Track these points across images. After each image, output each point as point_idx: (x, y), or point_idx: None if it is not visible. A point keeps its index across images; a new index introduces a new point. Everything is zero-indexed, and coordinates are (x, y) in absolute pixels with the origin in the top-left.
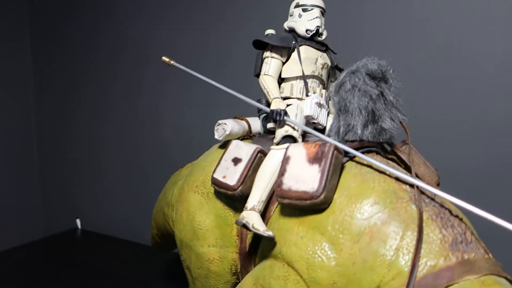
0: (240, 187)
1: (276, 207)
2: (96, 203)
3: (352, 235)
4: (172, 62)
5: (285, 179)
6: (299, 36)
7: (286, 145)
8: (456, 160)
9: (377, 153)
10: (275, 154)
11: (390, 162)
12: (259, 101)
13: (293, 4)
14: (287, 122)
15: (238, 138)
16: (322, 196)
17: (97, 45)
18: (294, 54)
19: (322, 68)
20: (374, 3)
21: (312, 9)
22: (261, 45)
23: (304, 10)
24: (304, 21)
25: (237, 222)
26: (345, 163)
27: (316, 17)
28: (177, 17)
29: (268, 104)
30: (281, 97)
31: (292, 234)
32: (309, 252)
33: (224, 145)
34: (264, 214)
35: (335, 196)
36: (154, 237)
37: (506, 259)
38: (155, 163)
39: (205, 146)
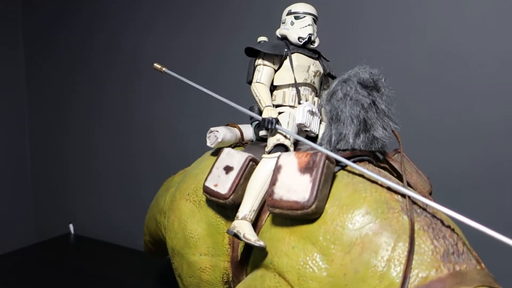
0: (231, 196)
1: (268, 216)
2: (89, 208)
3: (344, 246)
4: (164, 69)
5: (277, 188)
6: (291, 43)
7: (277, 154)
8: (448, 168)
9: (369, 162)
10: (266, 163)
11: (382, 171)
12: (251, 108)
13: (285, 11)
14: (279, 131)
15: (230, 146)
16: (314, 206)
17: (90, 51)
18: (286, 62)
19: (314, 76)
20: (366, 11)
21: (304, 16)
22: (253, 53)
23: (296, 18)
24: (297, 28)
25: (228, 232)
26: (336, 172)
27: (308, 25)
28: (170, 24)
29: (260, 112)
30: (273, 105)
31: (283, 244)
32: (300, 263)
33: (217, 152)
34: (255, 223)
35: (327, 206)
36: (146, 243)
37: (498, 268)
38: (148, 169)
39: (198, 153)
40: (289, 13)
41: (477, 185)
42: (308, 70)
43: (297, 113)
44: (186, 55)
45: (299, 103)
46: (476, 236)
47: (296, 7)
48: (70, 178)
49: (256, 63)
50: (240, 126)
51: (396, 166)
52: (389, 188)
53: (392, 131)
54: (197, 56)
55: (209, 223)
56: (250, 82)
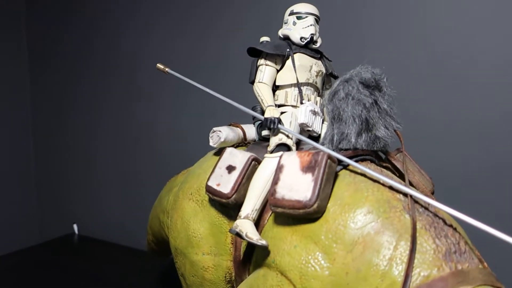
0: (234, 195)
1: (270, 215)
2: (93, 208)
3: (346, 245)
4: (166, 69)
5: (279, 187)
6: (293, 43)
7: (280, 153)
8: (451, 167)
9: (371, 161)
10: (269, 163)
11: (384, 170)
12: (254, 108)
13: (288, 12)
14: (281, 130)
15: (233, 145)
16: (315, 205)
17: (92, 52)
18: (289, 62)
19: (316, 76)
20: (368, 11)
21: (306, 17)
22: (256, 53)
23: (298, 18)
24: (299, 28)
25: (230, 231)
26: (338, 171)
27: (311, 25)
28: (172, 25)
29: (263, 112)
30: (276, 105)
31: (285, 243)
32: (302, 262)
33: (219, 152)
34: (258, 223)
35: (329, 205)
36: (150, 243)
37: (501, 267)
38: (151, 170)
39: (201, 153)
40: (291, 13)
41: (479, 184)
42: (310, 70)
43: (300, 112)
44: (189, 55)
45: (302, 103)
46: (479, 235)
47: (298, 7)
48: (74, 179)
49: (258, 63)
50: (243, 126)
51: (398, 165)
52: (391, 187)
53: (394, 130)
54: (199, 57)
55: (212, 223)
56: (252, 82)
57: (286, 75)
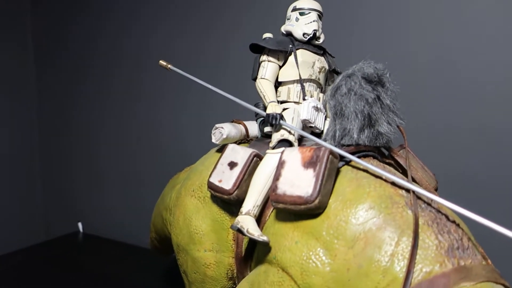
0: (235, 192)
1: (272, 211)
2: (98, 207)
3: (347, 241)
4: (169, 66)
5: (280, 183)
6: (296, 39)
7: (281, 149)
8: (454, 164)
9: (374, 157)
10: (270, 158)
11: (387, 166)
12: (256, 105)
13: (290, 8)
14: (283, 126)
15: (235, 142)
16: (317, 201)
17: (96, 52)
18: (291, 58)
19: (319, 72)
20: (372, 7)
21: (309, 12)
22: (258, 49)
23: (301, 14)
24: (301, 24)
25: (232, 227)
26: (340, 167)
27: (313, 21)
28: (175, 21)
29: (265, 108)
30: (278, 101)
31: (287, 239)
32: (303, 258)
33: (221, 149)
34: (259, 219)
35: (330, 201)
36: (153, 240)
37: (505, 264)
38: (155, 168)
39: (203, 151)
40: (294, 9)
41: (483, 181)
42: (313, 66)
43: (302, 109)
44: (191, 53)
45: (304, 99)
46: (482, 232)
47: (301, 3)
48: (79, 177)
49: (261, 60)
50: (245, 122)
51: (401, 161)
52: (393, 183)
53: (397, 126)
54: (202, 54)
55: (214, 219)
56: (255, 79)
57: (289, 72)
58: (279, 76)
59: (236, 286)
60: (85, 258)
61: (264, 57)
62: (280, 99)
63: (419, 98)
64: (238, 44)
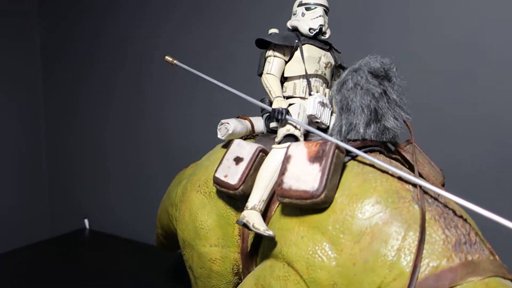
0: (241, 187)
1: (277, 206)
2: (104, 203)
3: (353, 235)
4: (175, 61)
5: (286, 178)
6: (302, 35)
7: (287, 144)
8: (462, 160)
9: (380, 152)
10: (276, 153)
11: (393, 161)
12: (262, 100)
13: (296, 3)
14: (289, 121)
15: (241, 138)
16: (323, 196)
17: (102, 49)
18: (297, 53)
19: (325, 67)
20: (378, 2)
21: (315, 7)
22: (264, 44)
23: (307, 9)
24: (307, 19)
25: (237, 222)
26: (347, 162)
27: (319, 16)
28: (181, 18)
29: (271, 104)
30: (284, 96)
31: (292, 233)
32: (309, 252)
33: (227, 144)
34: (265, 214)
35: (336, 195)
36: (158, 237)
37: None
38: (161, 164)
39: (209, 147)
40: (300, 4)
41: (491, 177)
42: (319, 62)
43: (308, 104)
44: (197, 48)
45: (310, 95)
46: (489, 227)
47: None
48: (85, 174)
49: (266, 55)
50: (251, 118)
51: (408, 157)
52: (400, 178)
53: (404, 121)
54: (208, 49)
55: (219, 214)
56: (260, 75)
57: (295, 67)
58: (285, 71)
59: (241, 281)
60: (92, 254)
61: (270, 52)
62: (286, 94)
63: (426, 93)
64: (244, 40)
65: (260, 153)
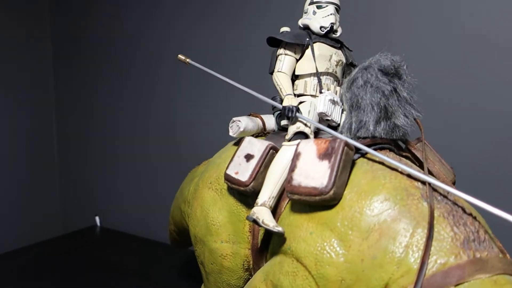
0: (252, 183)
1: (287, 203)
2: (115, 201)
3: (361, 232)
4: (188, 60)
5: (295, 175)
6: (313, 33)
7: (297, 141)
8: (473, 158)
9: (390, 150)
10: (286, 151)
11: (403, 159)
12: (274, 98)
13: (308, 1)
14: (299, 119)
15: (252, 135)
16: (331, 192)
17: (114, 45)
18: (308, 51)
19: (336, 65)
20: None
21: (326, 6)
22: (275, 43)
23: (318, 7)
24: (319, 18)
25: (248, 218)
26: (356, 159)
27: (331, 14)
28: (193, 16)
29: (282, 101)
30: (295, 94)
31: (301, 230)
32: (317, 248)
33: (239, 142)
34: (275, 210)
35: (345, 192)
36: (171, 233)
37: None
38: (171, 162)
39: (221, 145)
40: (311, 3)
41: (503, 178)
42: (330, 60)
43: (319, 102)
44: (209, 46)
45: (321, 92)
46: (501, 226)
47: None
48: (96, 172)
49: (277, 53)
50: (262, 116)
51: (418, 154)
52: (409, 176)
53: (414, 119)
54: (219, 48)
55: (230, 211)
56: (272, 72)
57: (305, 65)
58: (296, 70)
59: (252, 277)
60: (102, 251)
61: (281, 51)
62: (296, 92)
63: (438, 91)
64: (256, 38)
65: (271, 150)
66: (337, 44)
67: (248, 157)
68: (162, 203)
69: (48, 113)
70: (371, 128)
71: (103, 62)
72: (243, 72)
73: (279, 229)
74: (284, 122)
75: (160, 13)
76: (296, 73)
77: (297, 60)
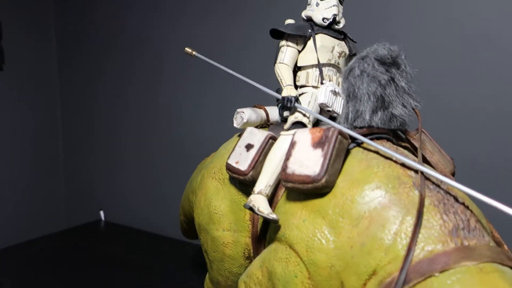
0: (250, 172)
1: (284, 192)
2: (120, 195)
3: (352, 219)
4: (194, 52)
5: (290, 163)
6: (316, 24)
7: (294, 130)
8: (474, 150)
9: (388, 140)
10: (283, 140)
11: (400, 149)
12: (277, 90)
13: None
14: (298, 109)
15: (256, 127)
16: (324, 180)
17: (119, 38)
18: (310, 43)
19: (339, 57)
20: None
21: None
22: (279, 35)
23: None
24: (321, 9)
25: (245, 206)
26: (351, 149)
27: (333, 6)
28: (198, 9)
29: None
30: (298, 86)
31: (295, 217)
32: (309, 235)
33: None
34: (272, 199)
35: (339, 180)
36: (182, 223)
37: None
38: (175, 156)
39: (225, 139)
40: None
41: (503, 169)
42: (332, 51)
43: (320, 93)
44: (214, 39)
45: (322, 83)
46: (500, 218)
47: None
48: (101, 166)
49: (280, 45)
50: (266, 107)
51: (417, 145)
52: (403, 165)
53: (413, 109)
54: (225, 41)
55: (232, 200)
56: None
57: (307, 56)
58: (298, 61)
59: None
60: (107, 245)
61: (283, 42)
62: (299, 83)
63: (440, 83)
64: (261, 31)
65: (270, 140)
66: (340, 35)
67: (249, 147)
68: (166, 197)
69: (53, 110)
70: (367, 117)
71: (107, 60)
72: (248, 65)
73: (273, 216)
74: (287, 113)
75: (164, 10)
76: (299, 64)
77: (300, 52)
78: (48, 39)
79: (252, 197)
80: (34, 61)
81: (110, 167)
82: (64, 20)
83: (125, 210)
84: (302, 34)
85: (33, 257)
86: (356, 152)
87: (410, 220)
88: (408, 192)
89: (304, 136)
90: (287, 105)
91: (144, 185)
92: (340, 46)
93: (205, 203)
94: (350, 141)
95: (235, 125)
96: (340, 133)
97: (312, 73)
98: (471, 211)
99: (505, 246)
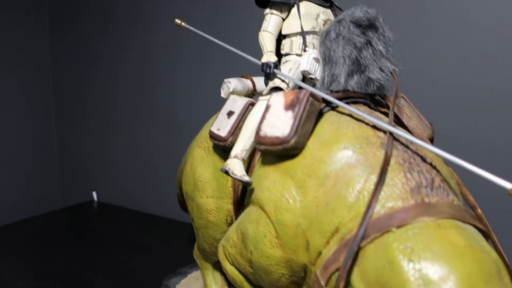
0: (230, 138)
1: (260, 156)
2: (112, 176)
3: (318, 179)
4: (183, 24)
5: (263, 126)
6: None
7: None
8: (455, 119)
9: (365, 104)
10: (260, 105)
11: (375, 112)
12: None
13: None
14: (278, 75)
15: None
16: (293, 141)
17: (111, 19)
18: (294, 10)
19: (324, 24)
20: None
21: None
22: (265, 3)
23: None
24: None
25: (221, 170)
26: (326, 112)
27: None
28: None
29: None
30: (282, 54)
31: (267, 179)
32: (278, 196)
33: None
34: (250, 163)
35: (309, 142)
36: (178, 197)
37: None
38: (169, 137)
39: None
40: None
41: (481, 137)
42: (317, 19)
43: (302, 60)
44: (206, 14)
45: (305, 51)
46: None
47: None
48: (94, 149)
49: (264, 12)
50: (254, 78)
51: (396, 110)
52: (374, 127)
53: (391, 72)
54: (216, 14)
55: (215, 167)
56: None
57: (291, 24)
58: (282, 29)
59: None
60: (100, 225)
61: (267, 10)
62: (283, 52)
63: (428, 59)
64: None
65: (250, 106)
66: (326, 3)
67: (230, 113)
68: (158, 178)
69: (47, 92)
70: (343, 81)
71: (101, 39)
72: (239, 36)
73: (246, 178)
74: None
75: None
76: (283, 32)
77: (284, 20)
78: (41, 17)
79: (228, 161)
80: (27, 41)
81: (103, 149)
82: (57, 3)
83: (117, 191)
84: (286, 2)
85: (27, 236)
86: (329, 115)
87: (374, 179)
88: (375, 152)
89: (278, 100)
90: (266, 70)
91: (136, 166)
92: (326, 14)
93: (190, 171)
94: (323, 103)
95: (222, 95)
96: (312, 95)
97: (296, 41)
98: (438, 171)
99: (478, 210)
